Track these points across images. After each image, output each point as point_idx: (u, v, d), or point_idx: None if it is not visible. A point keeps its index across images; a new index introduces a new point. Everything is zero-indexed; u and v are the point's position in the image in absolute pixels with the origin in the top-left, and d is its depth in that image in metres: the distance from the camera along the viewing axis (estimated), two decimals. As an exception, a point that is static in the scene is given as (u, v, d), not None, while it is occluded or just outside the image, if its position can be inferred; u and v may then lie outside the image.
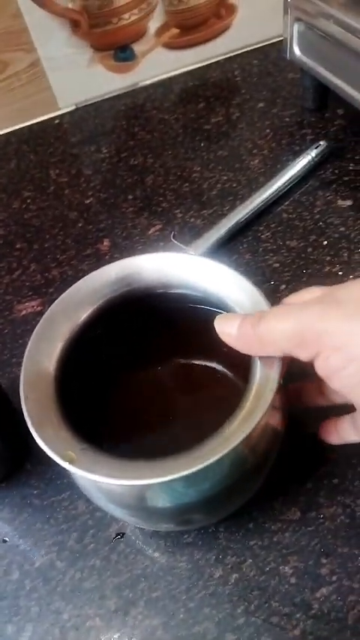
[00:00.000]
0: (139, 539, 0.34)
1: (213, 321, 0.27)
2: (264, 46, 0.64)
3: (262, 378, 0.25)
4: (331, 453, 0.34)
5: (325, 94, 0.55)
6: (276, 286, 0.44)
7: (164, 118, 0.60)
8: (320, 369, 0.24)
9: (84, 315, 0.30)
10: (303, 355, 0.24)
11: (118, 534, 0.34)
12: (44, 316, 0.29)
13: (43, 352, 0.28)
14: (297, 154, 0.51)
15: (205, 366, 0.33)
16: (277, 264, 0.45)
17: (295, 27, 0.51)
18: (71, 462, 0.24)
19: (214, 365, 0.33)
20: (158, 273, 0.30)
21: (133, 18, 0.58)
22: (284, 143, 0.55)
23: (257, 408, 0.24)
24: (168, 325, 0.32)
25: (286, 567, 0.32)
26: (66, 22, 0.56)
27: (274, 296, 0.43)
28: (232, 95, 0.61)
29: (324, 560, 0.31)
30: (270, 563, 0.32)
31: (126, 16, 0.57)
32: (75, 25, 0.56)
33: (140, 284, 0.30)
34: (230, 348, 0.27)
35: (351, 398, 0.25)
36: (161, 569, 0.33)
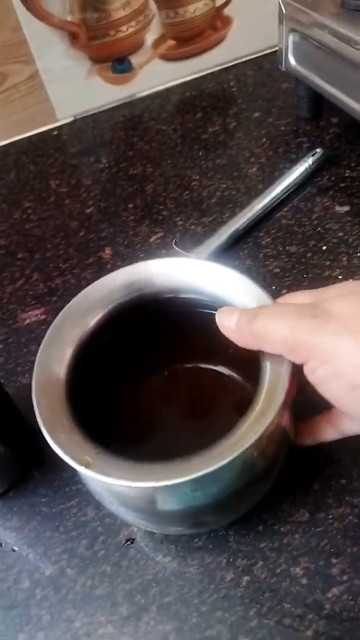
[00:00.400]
0: (149, 544, 0.34)
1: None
2: (258, 57, 0.66)
3: (273, 377, 0.26)
4: (337, 453, 0.35)
5: (319, 102, 0.56)
6: (277, 291, 0.44)
7: (162, 129, 0.60)
8: (309, 376, 0.25)
9: (93, 320, 0.30)
10: (294, 359, 0.25)
11: (128, 540, 0.34)
12: (54, 323, 0.29)
13: (54, 358, 0.28)
14: (294, 162, 0.52)
15: (215, 370, 0.34)
16: (278, 270, 0.46)
17: (290, 37, 0.52)
18: (87, 466, 0.24)
19: (223, 368, 0.33)
20: (167, 278, 0.30)
21: (130, 30, 0.59)
22: (281, 151, 0.55)
23: (269, 407, 0.25)
24: (177, 329, 0.32)
25: (297, 568, 0.32)
26: (64, 34, 0.57)
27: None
28: (228, 105, 0.62)
29: (334, 560, 0.32)
30: (281, 564, 0.32)
31: (123, 28, 0.58)
32: (73, 38, 0.57)
33: (149, 289, 0.31)
34: (238, 351, 0.27)
35: (337, 406, 0.26)
36: (172, 573, 0.33)
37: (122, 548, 0.34)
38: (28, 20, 0.54)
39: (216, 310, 0.29)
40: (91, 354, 0.29)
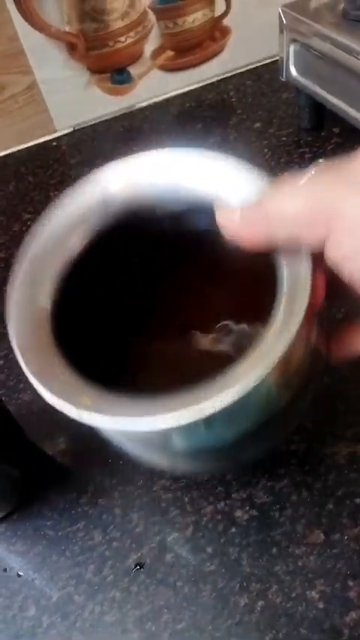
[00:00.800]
0: (160, 569, 0.33)
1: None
2: (257, 67, 0.65)
3: (291, 281, 0.22)
4: (351, 471, 0.34)
5: (321, 113, 0.56)
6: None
7: (162, 140, 0.60)
8: (333, 255, 0.22)
9: (74, 245, 0.26)
10: (312, 236, 0.22)
11: (137, 565, 0.33)
12: (23, 258, 0.25)
13: (33, 293, 0.24)
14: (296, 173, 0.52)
15: (219, 289, 0.29)
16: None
17: (291, 48, 0.52)
18: (87, 408, 0.20)
19: (227, 287, 0.29)
20: (148, 184, 0.26)
21: (129, 41, 0.58)
22: (283, 162, 0.55)
23: (291, 316, 0.21)
24: (171, 244, 0.28)
25: (313, 592, 0.31)
26: (63, 45, 0.56)
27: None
28: (228, 116, 0.62)
29: (351, 583, 0.31)
30: (296, 588, 0.31)
31: (122, 39, 0.58)
32: (72, 48, 0.56)
33: (130, 202, 0.26)
34: (245, 267, 0.24)
35: None
36: (185, 599, 0.32)
37: (131, 573, 0.33)
38: (26, 30, 0.54)
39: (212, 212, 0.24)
40: (78, 283, 0.25)
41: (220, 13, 0.60)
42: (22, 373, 0.43)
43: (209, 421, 0.20)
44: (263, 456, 0.31)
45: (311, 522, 0.33)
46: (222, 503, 0.34)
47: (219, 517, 0.34)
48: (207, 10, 0.59)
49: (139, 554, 0.34)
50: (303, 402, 0.26)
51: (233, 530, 0.33)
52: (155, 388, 0.21)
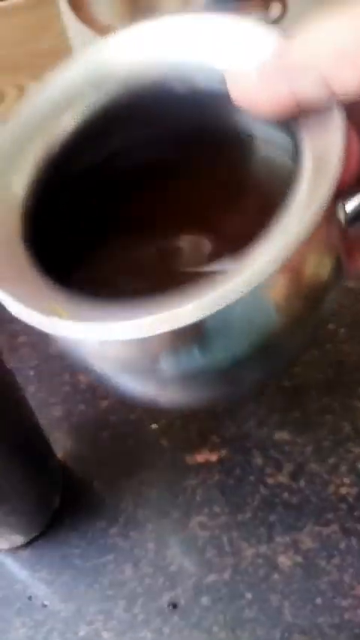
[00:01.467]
0: (195, 611, 0.31)
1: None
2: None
3: (317, 151, 0.17)
4: None
5: None
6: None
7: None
8: None
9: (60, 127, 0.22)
10: (348, 74, 0.17)
11: (170, 604, 0.31)
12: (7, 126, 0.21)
13: (8, 179, 0.21)
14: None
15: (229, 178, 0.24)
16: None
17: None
18: (60, 316, 0.17)
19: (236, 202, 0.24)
20: (146, 62, 0.21)
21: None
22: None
23: (317, 189, 0.16)
24: (173, 141, 0.24)
25: (360, 651, 0.29)
26: (110, 43, 0.54)
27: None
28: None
29: None
30: (341, 645, 0.29)
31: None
32: (119, 47, 0.54)
33: (125, 84, 0.22)
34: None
35: None
36: (220, 647, 0.30)
37: (164, 613, 0.31)
38: (74, 27, 0.52)
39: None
40: (58, 174, 0.22)
41: (275, 18, 0.57)
42: (53, 386, 0.41)
43: (203, 336, 0.17)
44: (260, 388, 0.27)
45: (358, 572, 0.31)
46: (264, 547, 0.32)
47: (260, 561, 0.32)
48: (262, 13, 0.57)
49: (173, 593, 0.32)
50: (308, 328, 0.21)
51: (275, 576, 0.31)
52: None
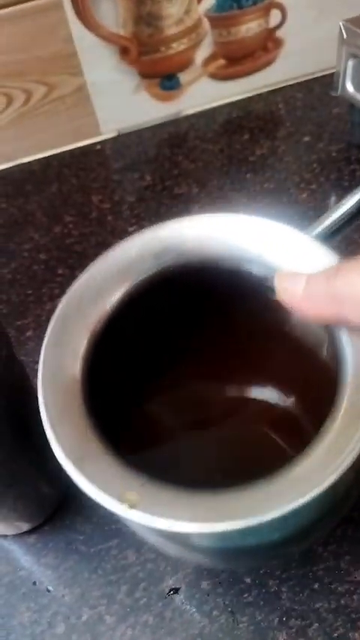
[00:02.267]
0: (196, 596, 0.32)
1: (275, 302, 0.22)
2: (307, 80, 0.64)
3: (357, 366, 0.20)
4: None
5: (374, 130, 0.55)
6: None
7: (208, 148, 0.59)
8: None
9: (111, 301, 0.24)
10: None
11: (172, 590, 0.32)
12: (58, 310, 0.24)
13: (63, 357, 0.22)
14: (346, 190, 0.50)
15: (271, 365, 0.28)
16: None
17: (350, 63, 0.51)
18: (132, 504, 0.18)
19: (284, 362, 0.27)
20: (204, 242, 0.24)
21: (181, 47, 0.57)
22: (333, 178, 0.54)
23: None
24: (219, 309, 0.27)
25: (356, 634, 0.30)
26: (115, 48, 0.55)
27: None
28: (276, 128, 0.60)
29: None
30: (338, 628, 0.30)
31: (175, 45, 0.57)
32: (124, 52, 0.56)
33: (180, 258, 0.24)
34: (303, 335, 0.23)
35: None
36: (220, 629, 0.31)
37: (166, 598, 0.32)
38: (80, 32, 0.53)
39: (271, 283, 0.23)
40: (111, 347, 0.24)
41: (274, 25, 0.59)
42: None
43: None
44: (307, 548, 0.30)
45: (356, 559, 0.32)
46: (263, 533, 0.33)
47: (259, 546, 0.32)
48: (262, 20, 0.58)
49: (174, 578, 0.32)
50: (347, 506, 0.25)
51: (273, 561, 0.32)
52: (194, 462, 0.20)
